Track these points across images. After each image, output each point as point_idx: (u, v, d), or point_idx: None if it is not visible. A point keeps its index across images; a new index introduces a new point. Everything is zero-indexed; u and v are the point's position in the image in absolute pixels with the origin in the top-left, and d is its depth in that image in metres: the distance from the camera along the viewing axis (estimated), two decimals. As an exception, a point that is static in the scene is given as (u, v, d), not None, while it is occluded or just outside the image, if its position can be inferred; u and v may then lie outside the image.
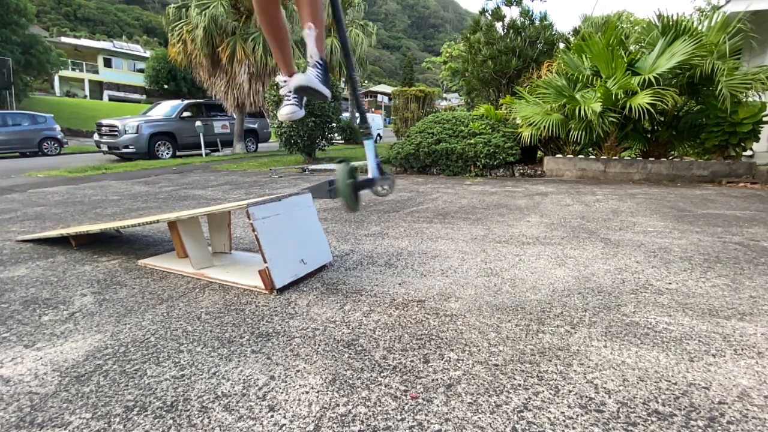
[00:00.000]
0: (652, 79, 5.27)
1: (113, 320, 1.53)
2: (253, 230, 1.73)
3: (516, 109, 6.59)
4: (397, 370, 1.17)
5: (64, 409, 1.02)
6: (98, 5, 70.26)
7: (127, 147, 11.10)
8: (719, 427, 0.93)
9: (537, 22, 9.76)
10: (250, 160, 9.86)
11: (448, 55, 24.29)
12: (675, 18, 5.60)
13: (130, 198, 4.57)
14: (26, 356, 1.28)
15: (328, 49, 11.23)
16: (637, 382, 1.10)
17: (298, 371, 1.17)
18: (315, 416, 0.98)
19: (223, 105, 12.57)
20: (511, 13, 9.96)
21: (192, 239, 2.06)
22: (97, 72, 39.87)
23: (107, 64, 40.63)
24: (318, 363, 1.22)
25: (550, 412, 0.98)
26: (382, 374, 1.15)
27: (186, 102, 13.01)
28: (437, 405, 1.02)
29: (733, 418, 0.96)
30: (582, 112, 5.49)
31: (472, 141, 6.27)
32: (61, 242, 2.63)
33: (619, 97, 5.41)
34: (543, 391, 1.06)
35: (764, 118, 5.30)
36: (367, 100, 26.62)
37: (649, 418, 0.96)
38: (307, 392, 1.08)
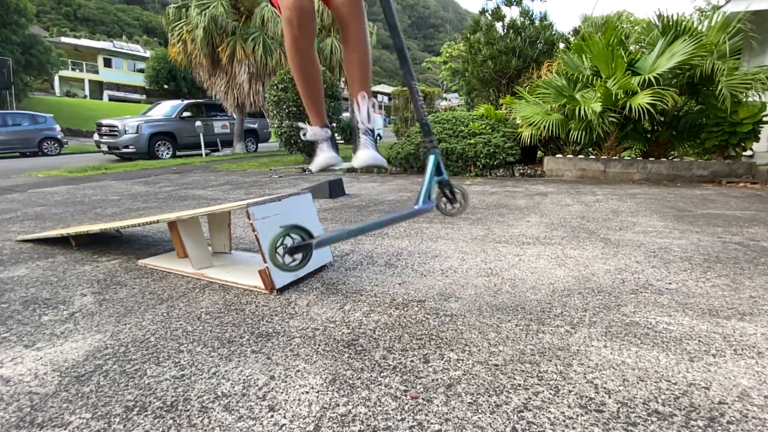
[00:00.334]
0: (652, 79, 5.27)
1: (113, 320, 1.53)
2: (253, 230, 1.73)
3: (516, 109, 6.59)
4: (397, 370, 1.17)
5: (64, 409, 1.02)
6: (98, 5, 70.24)
7: (127, 147, 11.10)
8: (719, 427, 0.93)
9: (537, 22, 9.76)
10: (250, 160, 9.86)
11: (448, 55, 24.26)
12: (675, 18, 5.60)
13: (130, 198, 4.57)
14: (26, 356, 1.28)
15: (328, 49, 11.21)
16: (637, 382, 1.10)
17: (298, 371, 1.17)
18: (315, 416, 0.98)
19: (223, 105, 12.57)
20: (511, 13, 9.97)
21: (192, 239, 2.06)
22: (97, 72, 39.88)
23: (107, 64, 40.64)
24: (318, 363, 1.22)
25: (550, 412, 0.98)
26: (382, 374, 1.15)
27: (186, 102, 13.01)
28: (437, 405, 1.02)
29: (733, 418, 0.96)
30: (582, 112, 5.49)
31: (472, 141, 6.27)
32: (61, 242, 2.63)
33: (619, 97, 5.41)
34: (543, 391, 1.06)
35: (764, 118, 5.30)
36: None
37: (649, 418, 0.96)
38: (307, 392, 1.08)
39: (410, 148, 6.48)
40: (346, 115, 9.88)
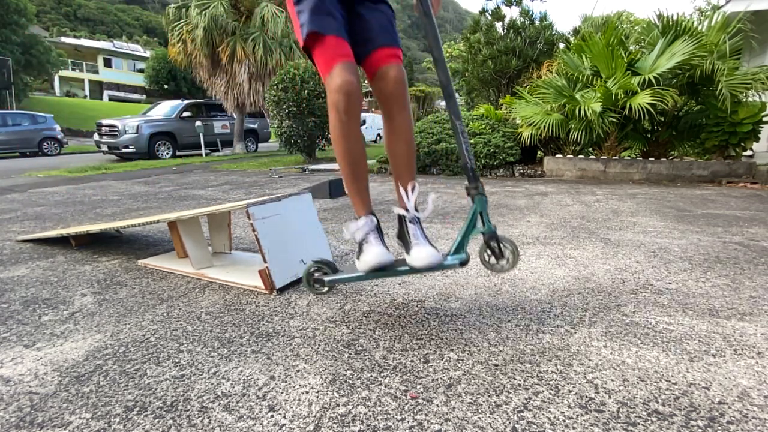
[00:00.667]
0: (652, 79, 5.27)
1: (113, 320, 1.53)
2: (253, 230, 1.73)
3: (516, 109, 6.59)
4: (397, 370, 1.17)
5: (64, 409, 1.02)
6: (98, 5, 70.28)
7: (127, 147, 11.11)
8: (719, 427, 0.93)
9: (537, 22, 9.77)
10: (250, 160, 9.86)
11: (447, 55, 24.28)
12: (675, 18, 5.60)
13: (130, 198, 4.57)
14: (26, 356, 1.28)
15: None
16: (637, 382, 1.10)
17: (298, 371, 1.17)
18: (315, 416, 0.98)
19: (223, 105, 12.58)
20: (511, 13, 9.99)
21: (192, 239, 2.06)
22: (97, 72, 39.91)
23: (107, 64, 40.68)
24: (318, 363, 1.22)
25: (550, 412, 0.98)
26: (382, 374, 1.15)
27: (186, 102, 13.02)
28: (437, 405, 1.02)
29: (733, 418, 0.96)
30: (582, 112, 5.49)
31: (472, 141, 6.26)
32: (61, 242, 2.63)
33: (619, 97, 5.41)
34: (543, 391, 1.06)
35: (764, 118, 5.30)
36: (367, 99, 26.58)
37: (649, 418, 0.96)
38: (307, 392, 1.08)
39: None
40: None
